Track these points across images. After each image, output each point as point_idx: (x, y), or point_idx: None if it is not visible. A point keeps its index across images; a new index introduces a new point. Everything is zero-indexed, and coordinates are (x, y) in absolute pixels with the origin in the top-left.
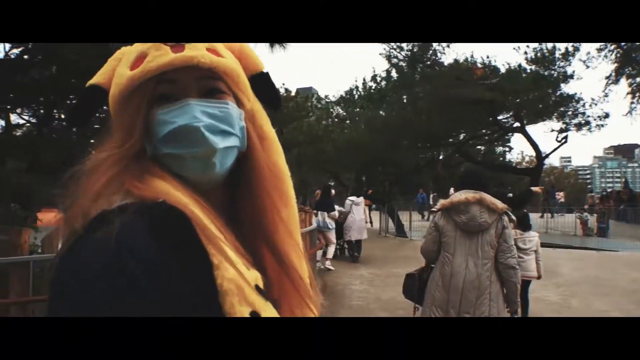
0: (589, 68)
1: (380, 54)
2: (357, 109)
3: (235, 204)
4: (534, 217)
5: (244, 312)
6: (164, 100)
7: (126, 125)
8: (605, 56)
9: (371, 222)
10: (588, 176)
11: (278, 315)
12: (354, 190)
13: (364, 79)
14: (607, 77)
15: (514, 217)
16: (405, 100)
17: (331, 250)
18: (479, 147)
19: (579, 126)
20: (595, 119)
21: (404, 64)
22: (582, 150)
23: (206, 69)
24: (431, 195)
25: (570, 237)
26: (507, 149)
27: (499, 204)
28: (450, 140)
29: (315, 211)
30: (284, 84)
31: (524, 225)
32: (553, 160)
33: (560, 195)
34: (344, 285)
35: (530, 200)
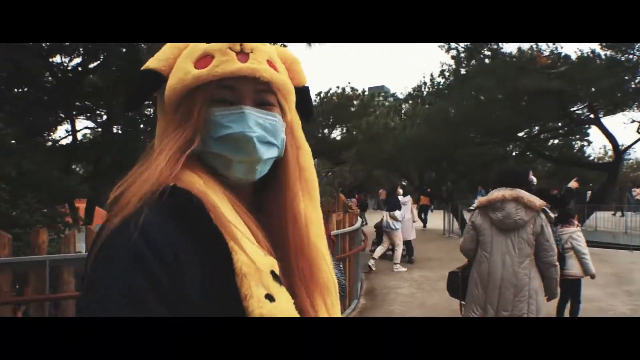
0: None
1: (439, 47)
2: (426, 106)
3: (262, 198)
4: (605, 215)
5: (260, 294)
6: (220, 103)
7: (186, 119)
8: None
9: (425, 223)
10: None
11: (292, 300)
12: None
13: (432, 75)
14: None
15: (552, 215)
16: (466, 94)
17: (397, 253)
18: (554, 141)
19: None
20: None
21: (463, 56)
22: None
23: (264, 83)
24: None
25: None
26: (585, 143)
27: (537, 201)
28: (521, 134)
29: (358, 211)
30: (349, 83)
31: (559, 222)
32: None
33: (637, 192)
34: (391, 288)
35: (571, 197)
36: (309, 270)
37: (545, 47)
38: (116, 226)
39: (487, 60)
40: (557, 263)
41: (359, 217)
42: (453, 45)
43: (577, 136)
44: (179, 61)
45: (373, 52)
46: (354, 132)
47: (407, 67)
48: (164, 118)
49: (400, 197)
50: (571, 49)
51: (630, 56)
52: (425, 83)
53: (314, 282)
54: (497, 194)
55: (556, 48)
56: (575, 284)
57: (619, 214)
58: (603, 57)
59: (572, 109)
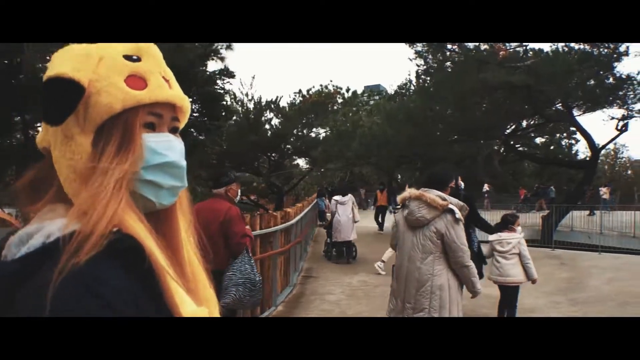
0: None
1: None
2: (411, 105)
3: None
4: (583, 214)
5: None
6: (147, 129)
7: (126, 145)
8: None
9: (380, 226)
10: None
11: None
12: (338, 188)
13: (417, 72)
14: None
15: (459, 217)
16: (428, 91)
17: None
18: (539, 139)
19: None
20: None
21: (426, 51)
22: None
23: (179, 111)
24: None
25: (628, 239)
26: (572, 141)
27: (439, 201)
28: (506, 132)
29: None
30: (331, 81)
31: (498, 227)
32: (634, 153)
33: (604, 191)
34: (319, 295)
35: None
36: (197, 289)
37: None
38: (69, 276)
39: (450, 55)
40: (469, 263)
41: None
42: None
43: (564, 134)
44: (105, 75)
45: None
46: (326, 131)
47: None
48: (83, 136)
49: (339, 197)
50: (540, 43)
51: (603, 50)
52: (410, 81)
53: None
54: (405, 192)
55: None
56: (514, 288)
57: (592, 213)
58: (575, 51)
59: (547, 107)
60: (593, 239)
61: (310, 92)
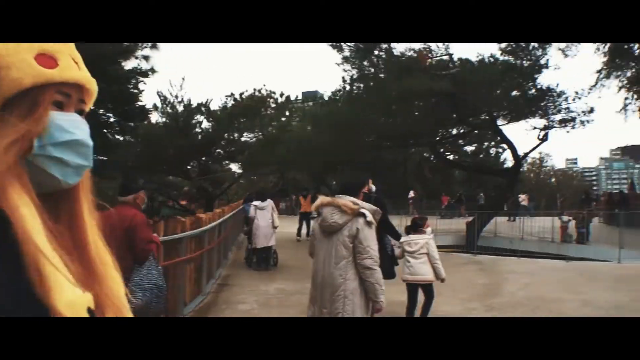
0: (568, 57)
1: (331, 46)
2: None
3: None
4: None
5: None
6: (55, 107)
7: (24, 118)
8: (598, 49)
9: (298, 232)
10: (594, 178)
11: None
12: (257, 193)
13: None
14: (598, 71)
15: (371, 220)
16: (353, 96)
17: None
18: (468, 147)
19: (563, 122)
20: (579, 114)
21: (354, 57)
22: (589, 151)
23: (87, 93)
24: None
25: (547, 244)
26: (500, 149)
27: (351, 206)
28: (434, 139)
29: None
30: (264, 85)
31: (408, 229)
32: (557, 162)
33: (522, 198)
34: (231, 304)
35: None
36: (101, 273)
37: (435, 48)
38: None
39: (376, 61)
40: (373, 267)
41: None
42: (344, 45)
43: (492, 143)
44: (15, 50)
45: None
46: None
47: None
48: None
49: (258, 202)
50: (467, 52)
51: (526, 62)
52: (345, 87)
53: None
54: (318, 200)
55: (447, 48)
56: (427, 287)
57: (512, 219)
58: (500, 62)
59: (473, 116)
60: (515, 244)
61: (243, 95)
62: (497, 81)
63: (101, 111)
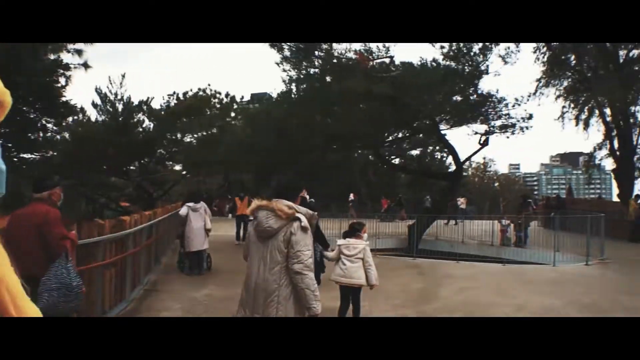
0: (508, 64)
1: (270, 46)
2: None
3: None
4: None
5: None
6: None
7: None
8: (537, 58)
9: (238, 236)
10: (535, 183)
11: None
12: (190, 195)
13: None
14: (538, 80)
15: (306, 225)
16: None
17: None
18: (414, 151)
19: (503, 128)
20: (519, 121)
21: (294, 57)
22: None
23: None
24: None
25: (486, 247)
26: (444, 154)
27: (286, 210)
28: (378, 142)
29: None
30: (209, 85)
31: (346, 234)
32: (500, 167)
33: (461, 202)
34: (155, 311)
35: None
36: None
37: (375, 49)
38: None
39: (316, 62)
40: (303, 272)
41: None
42: (286, 45)
43: (437, 147)
44: None
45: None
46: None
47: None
48: None
49: (192, 204)
50: (410, 56)
51: (467, 67)
52: (291, 89)
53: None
54: (253, 203)
55: (387, 50)
56: (357, 290)
57: (452, 222)
58: (442, 66)
59: (416, 119)
60: (455, 248)
61: (187, 95)
62: (438, 85)
63: (24, 108)
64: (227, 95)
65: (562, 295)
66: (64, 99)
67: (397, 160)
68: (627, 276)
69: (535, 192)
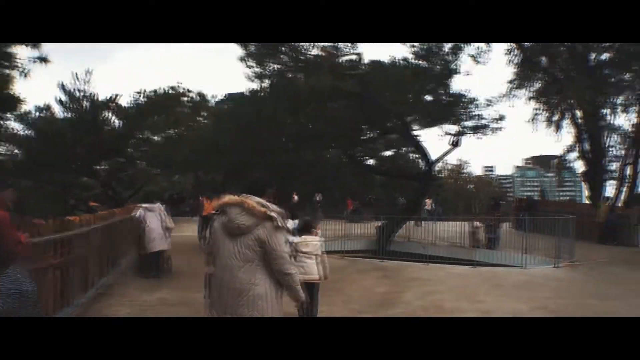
0: (479, 64)
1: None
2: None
3: None
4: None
5: None
6: None
7: None
8: (510, 60)
9: (202, 238)
10: (509, 185)
11: None
12: (145, 195)
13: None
14: (510, 82)
15: (280, 223)
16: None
17: None
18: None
19: (475, 129)
20: (490, 122)
21: (258, 55)
22: (505, 159)
23: None
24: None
25: (457, 249)
26: (416, 155)
27: (259, 208)
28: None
29: None
30: (180, 83)
31: (302, 231)
32: (475, 169)
33: (427, 203)
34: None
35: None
36: None
37: (343, 46)
38: None
39: (281, 58)
40: (291, 271)
41: None
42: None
43: (411, 148)
44: None
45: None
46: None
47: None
48: None
49: (147, 204)
50: (379, 54)
51: (437, 66)
52: (257, 87)
53: None
54: (224, 199)
55: (355, 47)
56: (314, 286)
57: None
58: (412, 65)
59: (387, 120)
60: (426, 249)
61: (157, 92)
62: (408, 84)
63: None
64: (198, 93)
65: (530, 300)
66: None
67: (371, 161)
68: (595, 279)
69: (509, 194)
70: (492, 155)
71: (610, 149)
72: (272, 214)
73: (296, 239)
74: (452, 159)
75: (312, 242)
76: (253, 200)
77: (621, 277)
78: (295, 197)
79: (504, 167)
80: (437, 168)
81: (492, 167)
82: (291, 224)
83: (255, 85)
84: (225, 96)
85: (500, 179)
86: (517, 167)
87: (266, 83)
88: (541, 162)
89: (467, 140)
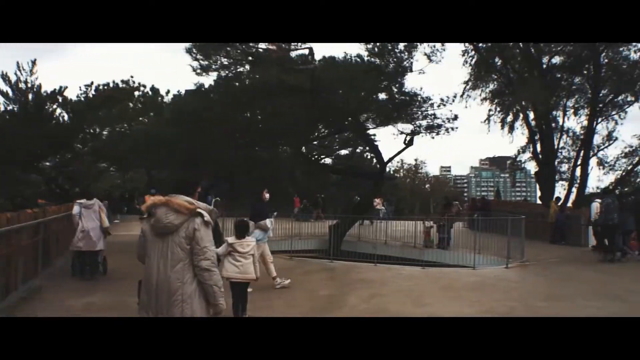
0: (433, 62)
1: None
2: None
3: None
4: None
5: None
6: None
7: None
8: (466, 61)
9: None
10: (465, 185)
11: None
12: (83, 191)
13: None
14: (465, 82)
15: (208, 220)
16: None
17: (270, 267)
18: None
19: (429, 129)
20: (444, 121)
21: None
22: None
23: None
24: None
25: (409, 249)
26: (368, 154)
27: (187, 206)
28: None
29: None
30: (132, 77)
31: (239, 232)
32: (432, 169)
33: (377, 202)
34: None
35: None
36: None
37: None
38: None
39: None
40: (211, 268)
41: None
42: None
43: (367, 147)
44: None
45: None
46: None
47: None
48: None
49: (83, 201)
50: (331, 50)
51: (390, 64)
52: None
53: None
54: (150, 200)
55: (305, 42)
56: (247, 285)
57: (367, 222)
58: (366, 62)
59: (339, 118)
60: (378, 249)
61: (108, 86)
62: (359, 81)
63: None
64: (151, 88)
65: (478, 303)
66: None
67: (327, 160)
68: (544, 278)
69: (465, 194)
70: (450, 156)
71: (561, 151)
72: (200, 210)
73: (231, 240)
74: (409, 159)
75: (248, 243)
76: (180, 199)
77: (569, 277)
78: (267, 195)
79: (461, 168)
80: (394, 168)
81: (448, 167)
82: (268, 222)
83: (203, 79)
84: (178, 91)
85: (457, 179)
86: (473, 167)
87: (214, 76)
88: (497, 163)
89: (424, 140)
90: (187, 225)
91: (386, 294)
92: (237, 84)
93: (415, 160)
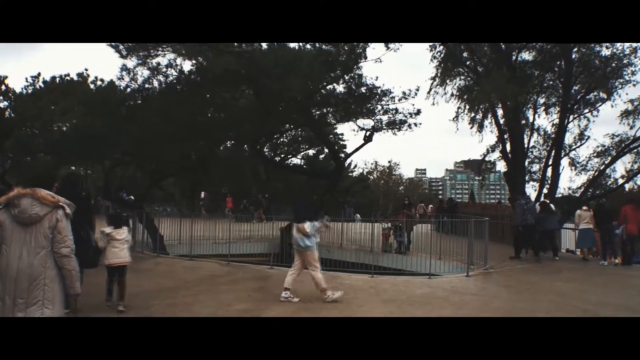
0: (391, 49)
1: None
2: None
3: None
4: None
5: None
6: None
7: None
8: (434, 57)
9: None
10: (440, 187)
11: None
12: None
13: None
14: (432, 78)
15: (69, 212)
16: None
17: (318, 277)
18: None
19: (391, 125)
20: (407, 116)
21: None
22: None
23: None
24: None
25: (365, 254)
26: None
27: (50, 199)
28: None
29: None
30: (87, 69)
31: (114, 223)
32: (408, 171)
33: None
34: None
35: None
36: None
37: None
38: None
39: None
40: (71, 255)
41: None
42: None
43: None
44: None
45: None
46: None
47: None
48: None
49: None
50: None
51: (343, 52)
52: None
53: None
54: (13, 191)
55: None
56: (125, 268)
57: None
58: (316, 49)
59: (291, 112)
60: (332, 253)
61: (64, 78)
62: (303, 67)
63: None
64: (101, 79)
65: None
66: None
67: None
68: (506, 290)
69: (440, 196)
70: (425, 158)
71: (532, 150)
72: (62, 203)
73: (108, 229)
74: (383, 161)
75: (123, 231)
76: (44, 192)
77: (535, 289)
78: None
79: (437, 170)
80: (367, 169)
81: (424, 169)
82: (308, 226)
83: (140, 68)
84: (101, 79)
85: (432, 182)
86: (449, 170)
87: (150, 65)
88: (471, 165)
89: (397, 140)
90: (50, 217)
91: (314, 308)
92: (174, 72)
93: (389, 162)
